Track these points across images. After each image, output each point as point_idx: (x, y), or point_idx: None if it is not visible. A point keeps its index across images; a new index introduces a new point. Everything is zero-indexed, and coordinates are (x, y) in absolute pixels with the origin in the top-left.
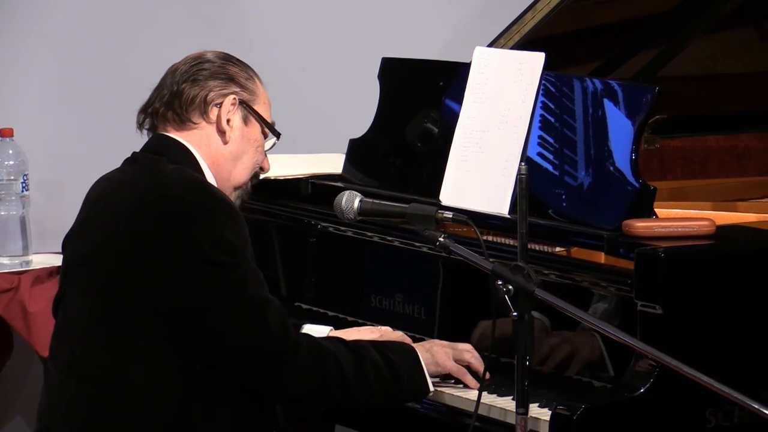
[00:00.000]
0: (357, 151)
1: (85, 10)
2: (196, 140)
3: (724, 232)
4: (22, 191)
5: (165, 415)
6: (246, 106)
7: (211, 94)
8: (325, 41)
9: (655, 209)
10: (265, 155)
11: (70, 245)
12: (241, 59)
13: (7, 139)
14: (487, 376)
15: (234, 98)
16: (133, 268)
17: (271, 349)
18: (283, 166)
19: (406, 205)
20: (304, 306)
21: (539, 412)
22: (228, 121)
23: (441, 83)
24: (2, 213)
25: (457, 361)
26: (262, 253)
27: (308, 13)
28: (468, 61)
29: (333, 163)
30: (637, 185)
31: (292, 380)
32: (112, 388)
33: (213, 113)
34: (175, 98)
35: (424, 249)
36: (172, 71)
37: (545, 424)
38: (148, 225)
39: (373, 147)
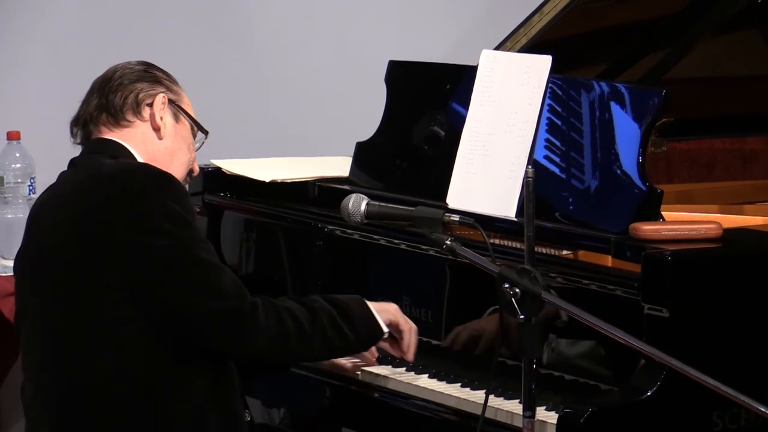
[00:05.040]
0: (364, 154)
1: (89, 13)
2: (132, 138)
3: (730, 235)
4: (29, 194)
5: (137, 392)
6: (175, 105)
7: (141, 94)
8: (332, 45)
9: (662, 212)
10: (194, 157)
11: (20, 261)
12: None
13: (14, 142)
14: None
15: (164, 97)
16: (89, 254)
17: (230, 310)
18: (290, 169)
19: (413, 208)
20: None
21: (546, 415)
22: (161, 118)
23: (448, 86)
24: (9, 216)
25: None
26: (269, 255)
27: (314, 17)
28: (475, 64)
29: (340, 166)
30: (643, 188)
31: (254, 338)
32: (84, 376)
33: (146, 112)
34: (108, 101)
35: (431, 252)
36: (99, 81)
37: (552, 427)
38: (95, 209)
39: (380, 150)
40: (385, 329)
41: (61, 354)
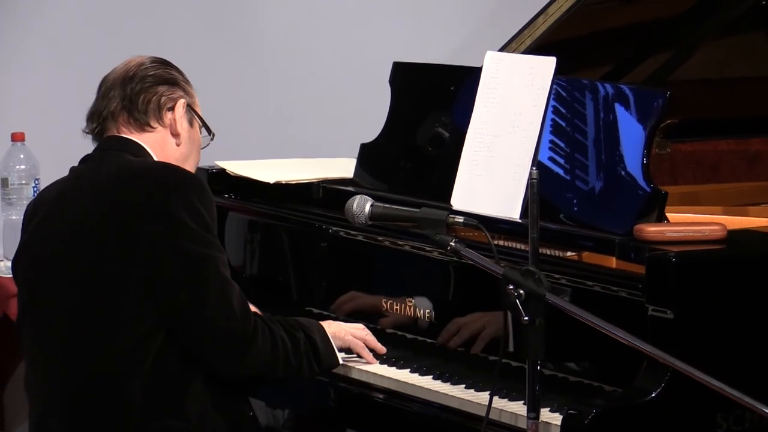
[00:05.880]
0: (368, 155)
1: (92, 13)
2: (151, 142)
3: (735, 236)
4: (34, 195)
5: (145, 387)
6: (191, 110)
7: (163, 98)
8: (336, 46)
9: (667, 214)
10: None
11: (25, 257)
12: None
13: (19, 144)
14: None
15: (184, 102)
16: (115, 247)
17: (234, 330)
18: (295, 170)
19: (417, 210)
20: (315, 310)
21: (550, 417)
22: (180, 124)
23: (452, 88)
24: (14, 217)
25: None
26: (273, 257)
27: (318, 19)
28: (479, 66)
29: (344, 167)
30: (648, 189)
31: (248, 362)
32: (96, 367)
33: (167, 117)
34: (131, 103)
35: (435, 253)
36: (120, 78)
37: (556, 428)
38: (124, 203)
39: (385, 151)
40: (341, 361)
41: (74, 345)
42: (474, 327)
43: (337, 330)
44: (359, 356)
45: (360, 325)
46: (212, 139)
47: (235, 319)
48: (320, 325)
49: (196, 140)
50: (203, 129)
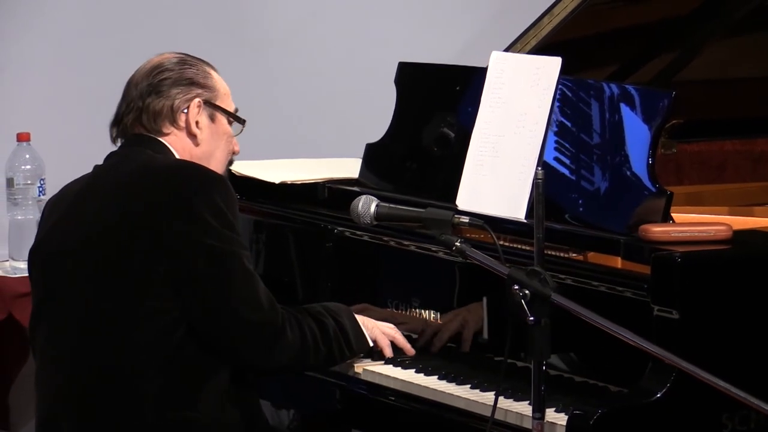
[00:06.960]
0: (374, 155)
1: (97, 13)
2: (172, 142)
3: (740, 236)
4: (39, 195)
5: (162, 381)
6: (210, 104)
7: (177, 102)
8: (342, 46)
9: (672, 214)
10: (234, 141)
11: (42, 251)
12: (195, 56)
13: (24, 144)
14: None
15: (198, 101)
16: (139, 244)
17: (263, 323)
18: (300, 170)
19: (423, 210)
20: None
21: (555, 417)
22: (197, 123)
23: (457, 88)
24: (19, 217)
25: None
26: (279, 257)
27: (324, 19)
28: (485, 66)
29: (350, 167)
30: (653, 190)
31: (279, 353)
32: (114, 361)
33: (181, 119)
34: (143, 113)
35: (441, 253)
36: (135, 83)
37: (562, 428)
38: (148, 200)
39: (390, 152)
40: (371, 343)
41: (88, 340)
42: (452, 328)
43: (366, 320)
44: (379, 354)
45: (390, 325)
46: (244, 127)
47: (263, 312)
48: (348, 309)
49: (221, 133)
50: (233, 119)
